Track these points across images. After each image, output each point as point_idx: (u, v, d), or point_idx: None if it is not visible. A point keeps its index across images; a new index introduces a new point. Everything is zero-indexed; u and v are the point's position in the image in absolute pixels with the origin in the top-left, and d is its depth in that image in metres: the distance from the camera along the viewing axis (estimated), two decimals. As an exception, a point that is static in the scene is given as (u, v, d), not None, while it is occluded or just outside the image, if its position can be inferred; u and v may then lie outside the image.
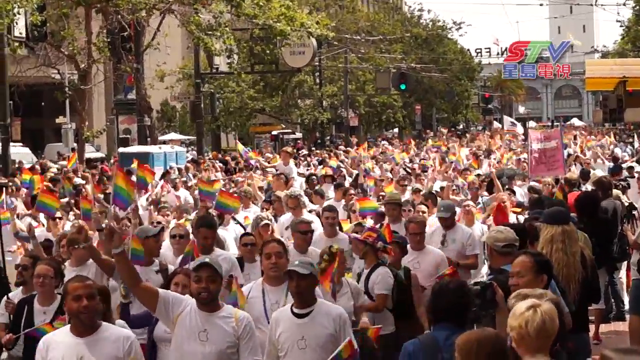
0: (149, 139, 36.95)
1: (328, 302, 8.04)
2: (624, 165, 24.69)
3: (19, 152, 35.78)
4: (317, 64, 52.03)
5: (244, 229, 13.48)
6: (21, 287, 9.61)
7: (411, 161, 29.30)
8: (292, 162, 23.86)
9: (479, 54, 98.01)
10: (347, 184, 20.02)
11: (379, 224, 12.64)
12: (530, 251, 7.84)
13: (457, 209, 13.79)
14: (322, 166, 25.89)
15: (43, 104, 51.52)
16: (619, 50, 65.79)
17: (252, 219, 13.12)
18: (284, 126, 60.27)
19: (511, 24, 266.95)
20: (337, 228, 12.26)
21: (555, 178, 17.12)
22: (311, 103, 57.33)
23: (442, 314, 6.67)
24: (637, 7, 52.00)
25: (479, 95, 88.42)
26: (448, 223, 12.28)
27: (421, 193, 16.53)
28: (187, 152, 42.16)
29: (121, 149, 36.73)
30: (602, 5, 52.39)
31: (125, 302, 8.50)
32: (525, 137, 56.88)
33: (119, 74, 38.76)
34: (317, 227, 12.32)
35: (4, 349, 8.94)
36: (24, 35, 29.99)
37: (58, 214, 14.61)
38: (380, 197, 16.26)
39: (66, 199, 18.39)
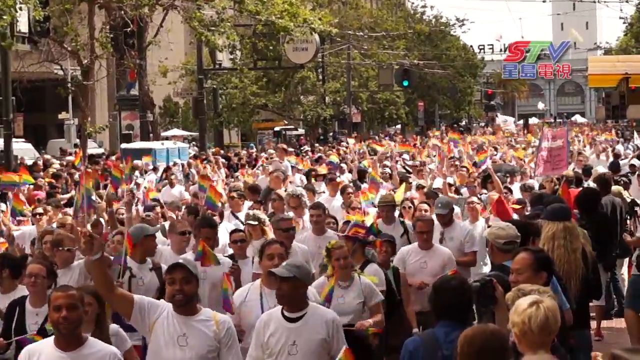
0: (151, 135, 37.05)
1: (320, 305, 7.81)
2: (625, 162, 24.69)
3: (22, 148, 35.77)
4: (320, 60, 52.01)
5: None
6: None
7: (413, 158, 29.21)
8: (286, 159, 23.74)
9: (482, 51, 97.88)
10: (347, 180, 19.74)
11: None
12: (530, 248, 7.83)
13: (457, 207, 13.77)
14: (318, 164, 25.70)
15: (46, 99, 51.52)
16: (622, 46, 65.75)
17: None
18: (286, 122, 60.29)
19: (514, 21, 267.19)
20: (333, 225, 12.05)
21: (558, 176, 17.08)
22: (314, 99, 57.33)
23: (443, 311, 6.66)
24: (640, 4, 51.96)
25: (482, 91, 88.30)
26: (446, 220, 12.21)
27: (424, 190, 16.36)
28: (190, 148, 42.18)
29: (124, 145, 36.82)
30: (604, 2, 52.30)
31: None
32: (525, 134, 56.94)
33: (122, 70, 38.79)
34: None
35: None
36: (26, 31, 30.00)
37: (40, 210, 14.08)
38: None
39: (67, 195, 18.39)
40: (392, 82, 57.10)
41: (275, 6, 32.55)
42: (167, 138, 44.45)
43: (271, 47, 37.10)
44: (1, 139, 29.98)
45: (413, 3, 78.43)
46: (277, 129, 58.97)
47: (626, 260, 14.30)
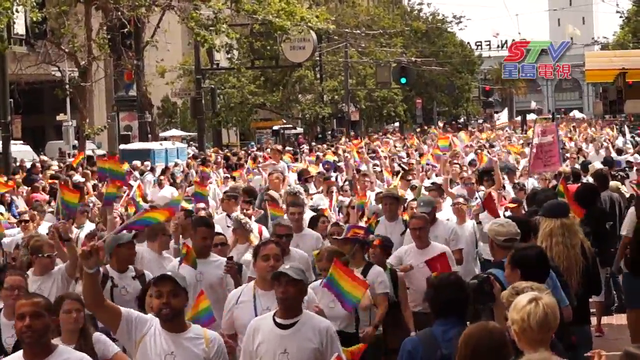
0: (149, 136, 37.00)
1: (314, 313, 7.47)
2: (624, 157, 24.71)
3: (20, 150, 35.75)
4: (317, 58, 52.00)
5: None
6: None
7: (408, 156, 29.20)
8: (282, 160, 23.67)
9: (479, 47, 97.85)
10: (340, 180, 19.68)
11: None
12: (516, 245, 7.85)
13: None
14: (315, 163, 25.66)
15: (44, 101, 51.49)
16: (619, 41, 65.71)
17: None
18: (285, 121, 60.26)
19: (511, 17, 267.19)
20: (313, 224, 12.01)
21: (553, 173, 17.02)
22: (312, 98, 57.31)
23: (441, 307, 6.65)
24: (637, -2, 51.97)
25: (480, 88, 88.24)
26: (429, 218, 11.78)
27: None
28: (188, 148, 42.16)
29: (122, 146, 36.78)
30: (601, -4, 52.32)
31: None
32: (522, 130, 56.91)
33: (120, 71, 38.77)
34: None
35: None
36: (23, 33, 30.00)
37: (26, 216, 13.90)
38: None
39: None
40: (389, 80, 57.04)
41: (272, 5, 32.56)
42: (165, 139, 44.41)
43: (268, 46, 37.11)
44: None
45: (410, 0, 78.51)
46: (275, 127, 58.95)
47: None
